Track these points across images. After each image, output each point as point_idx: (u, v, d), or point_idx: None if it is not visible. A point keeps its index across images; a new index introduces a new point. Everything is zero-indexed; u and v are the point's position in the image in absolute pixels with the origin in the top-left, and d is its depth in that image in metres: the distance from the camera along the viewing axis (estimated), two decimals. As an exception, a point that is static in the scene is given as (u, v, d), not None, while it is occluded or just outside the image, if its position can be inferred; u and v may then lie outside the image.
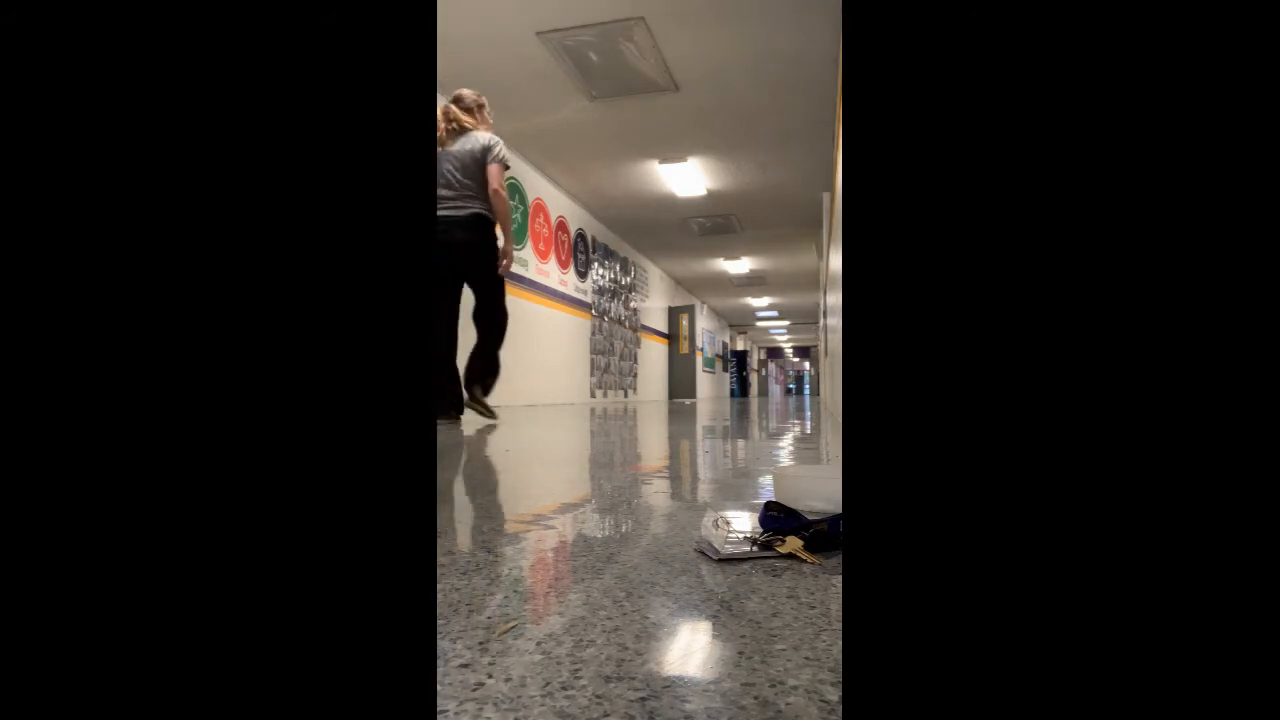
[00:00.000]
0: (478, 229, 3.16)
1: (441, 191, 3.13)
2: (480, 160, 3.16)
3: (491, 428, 2.99)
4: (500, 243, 3.19)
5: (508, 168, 3.24)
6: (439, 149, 3.22)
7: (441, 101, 3.37)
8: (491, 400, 3.55)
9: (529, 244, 7.36)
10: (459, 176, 3.16)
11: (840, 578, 0.72)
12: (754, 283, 14.11)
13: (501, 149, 3.20)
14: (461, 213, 3.14)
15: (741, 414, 5.70)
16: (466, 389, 3.24)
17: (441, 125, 3.24)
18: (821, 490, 1.09)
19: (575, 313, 8.79)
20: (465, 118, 3.24)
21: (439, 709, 0.44)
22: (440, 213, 3.10)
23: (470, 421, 3.34)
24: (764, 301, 17.15)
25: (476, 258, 3.18)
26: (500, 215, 3.18)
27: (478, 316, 3.28)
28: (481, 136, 3.23)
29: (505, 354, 3.74)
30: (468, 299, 3.38)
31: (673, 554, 0.83)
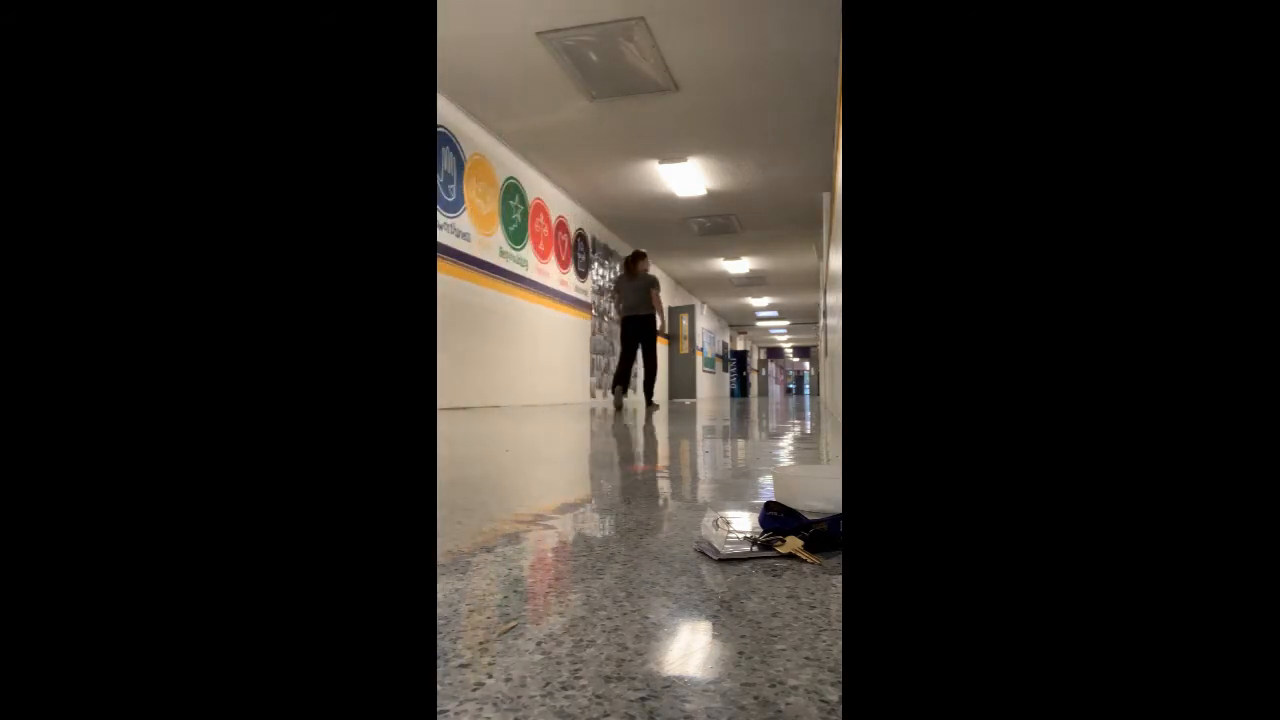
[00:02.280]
0: (648, 320, 6.64)
1: (629, 303, 6.65)
2: (647, 289, 6.63)
3: (647, 413, 5.54)
4: (658, 325, 6.70)
5: (658, 286, 6.68)
6: (623, 279, 6.78)
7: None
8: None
9: (529, 244, 7.36)
10: (639, 297, 6.63)
11: (840, 578, 0.72)
12: (754, 283, 14.11)
13: (656, 282, 6.66)
14: (642, 313, 6.63)
15: (741, 414, 5.70)
16: (645, 398, 6.87)
17: (622, 270, 6.85)
18: (821, 490, 1.09)
19: (575, 313, 8.78)
20: (636, 268, 6.70)
21: (439, 709, 0.44)
22: (630, 314, 6.65)
23: (637, 411, 5.95)
24: (764, 301, 17.15)
25: (647, 335, 6.66)
26: (658, 310, 6.66)
27: (644, 362, 6.77)
28: (646, 277, 6.64)
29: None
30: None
31: (673, 554, 0.83)
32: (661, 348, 13.27)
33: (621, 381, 6.55)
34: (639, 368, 10.35)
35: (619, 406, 6.34)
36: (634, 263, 6.72)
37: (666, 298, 13.46)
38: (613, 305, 7.23)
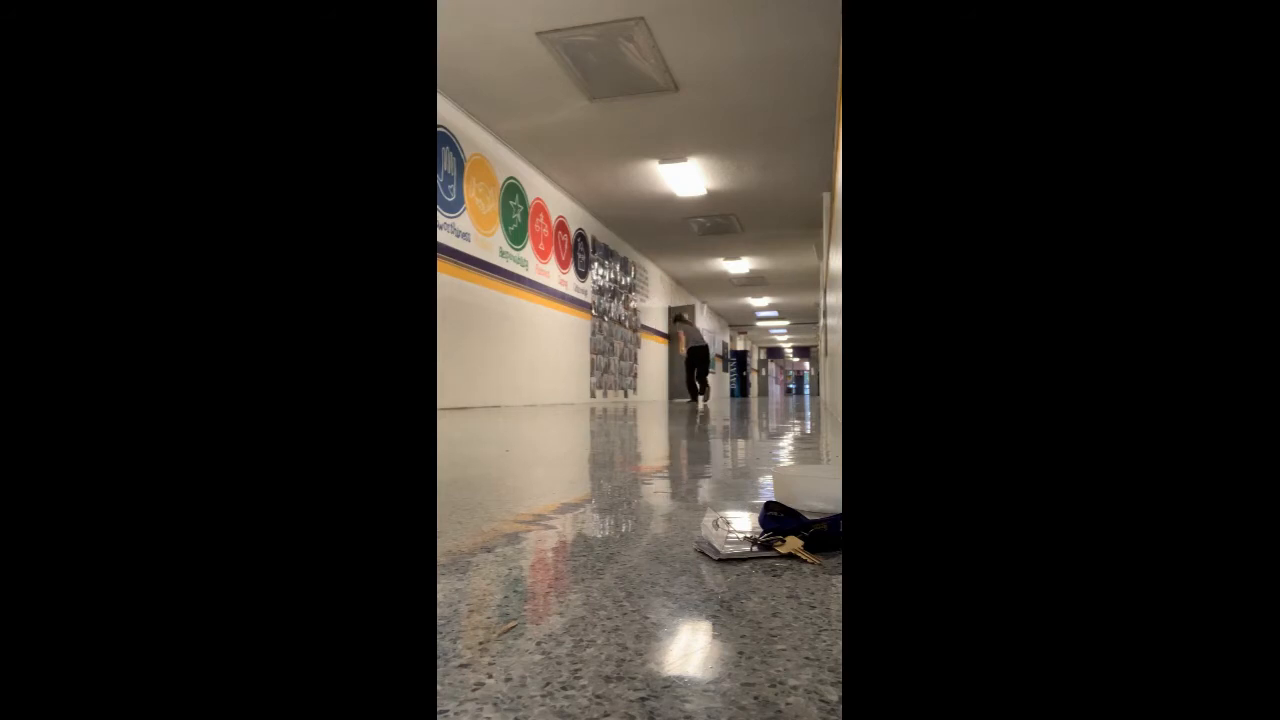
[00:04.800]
0: (705, 350, 10.93)
1: (693, 335, 11.02)
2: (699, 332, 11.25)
3: (702, 407, 7.37)
4: (710, 353, 10.93)
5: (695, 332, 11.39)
6: (689, 323, 11.55)
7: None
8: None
9: (529, 244, 7.36)
10: (701, 332, 11.67)
11: (840, 578, 0.72)
12: (754, 283, 14.11)
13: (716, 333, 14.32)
14: (703, 343, 10.93)
15: (742, 414, 5.70)
16: (697, 398, 10.64)
17: (689, 316, 12.12)
18: (821, 490, 1.09)
19: (575, 313, 8.78)
20: (691, 319, 11.57)
21: (439, 709, 0.44)
22: (694, 344, 10.96)
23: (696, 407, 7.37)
24: (764, 301, 17.14)
25: (705, 360, 10.92)
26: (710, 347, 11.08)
27: (700, 377, 10.91)
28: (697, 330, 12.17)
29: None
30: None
31: (673, 554, 0.83)
32: (661, 347, 13.49)
33: (693, 393, 10.68)
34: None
35: (697, 402, 9.95)
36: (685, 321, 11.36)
37: (665, 297, 13.57)
38: (679, 336, 11.47)
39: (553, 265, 8.06)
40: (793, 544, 0.81)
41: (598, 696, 0.45)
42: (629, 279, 11.00)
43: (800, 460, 2.07)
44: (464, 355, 6.00)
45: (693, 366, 10.97)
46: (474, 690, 0.47)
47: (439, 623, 0.59)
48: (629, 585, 0.70)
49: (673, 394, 13.70)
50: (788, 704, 0.44)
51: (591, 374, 9.42)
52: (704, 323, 16.67)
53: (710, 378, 14.28)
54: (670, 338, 13.91)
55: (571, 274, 8.67)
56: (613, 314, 10.24)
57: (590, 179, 7.74)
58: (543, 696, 0.46)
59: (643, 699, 0.45)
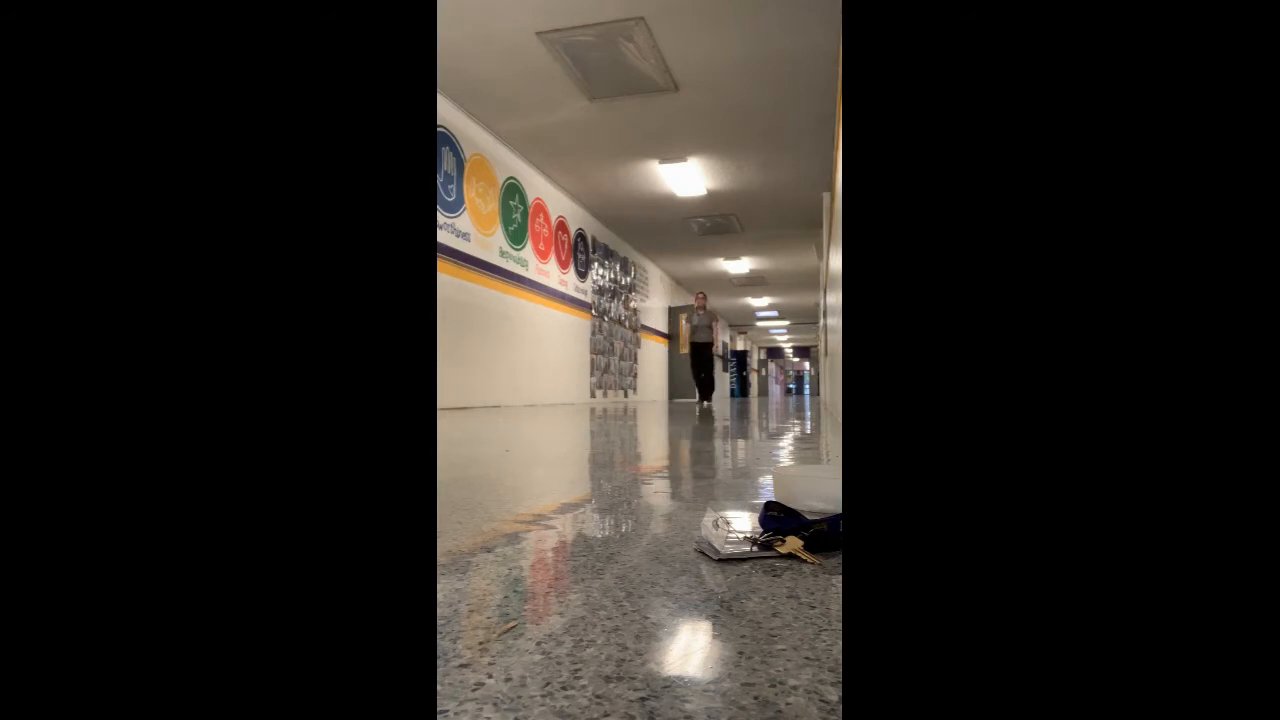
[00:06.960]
0: (709, 346, 9.75)
1: (699, 329, 9.73)
2: (711, 321, 9.74)
3: (708, 407, 7.62)
4: (716, 348, 10.01)
5: (718, 319, 10.05)
6: (693, 312, 9.96)
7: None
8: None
9: (529, 244, 7.36)
10: (705, 324, 9.68)
11: (840, 578, 0.72)
12: (754, 283, 14.11)
13: (717, 315, 10.15)
14: (707, 339, 9.69)
15: (742, 414, 5.70)
16: (702, 398, 9.82)
17: (697, 303, 9.97)
18: (821, 490, 1.09)
19: (575, 313, 8.78)
20: (703, 303, 9.87)
21: (439, 709, 0.44)
22: (698, 340, 9.75)
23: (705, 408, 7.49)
24: (764, 301, 17.15)
25: (709, 356, 9.82)
26: (715, 336, 9.81)
27: (706, 376, 9.92)
28: (710, 312, 9.80)
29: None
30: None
31: (673, 554, 0.83)
32: (661, 347, 13.43)
33: (702, 392, 10.01)
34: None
35: (704, 404, 9.49)
36: (703, 299, 10.41)
37: (665, 297, 13.56)
38: (686, 330, 10.79)
39: (553, 265, 8.06)
40: (793, 544, 0.81)
41: (598, 696, 0.45)
42: (629, 279, 10.99)
43: (800, 460, 2.07)
44: (464, 355, 6.00)
45: (698, 361, 10.20)
46: (474, 690, 0.47)
47: (439, 623, 0.59)
48: (629, 585, 0.70)
49: (673, 394, 13.70)
50: (788, 704, 0.44)
51: (591, 374, 9.42)
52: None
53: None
54: (671, 337, 13.86)
55: (571, 274, 8.67)
56: (613, 314, 10.24)
57: (590, 179, 7.74)
58: (543, 696, 0.46)
59: (643, 699, 0.45)
